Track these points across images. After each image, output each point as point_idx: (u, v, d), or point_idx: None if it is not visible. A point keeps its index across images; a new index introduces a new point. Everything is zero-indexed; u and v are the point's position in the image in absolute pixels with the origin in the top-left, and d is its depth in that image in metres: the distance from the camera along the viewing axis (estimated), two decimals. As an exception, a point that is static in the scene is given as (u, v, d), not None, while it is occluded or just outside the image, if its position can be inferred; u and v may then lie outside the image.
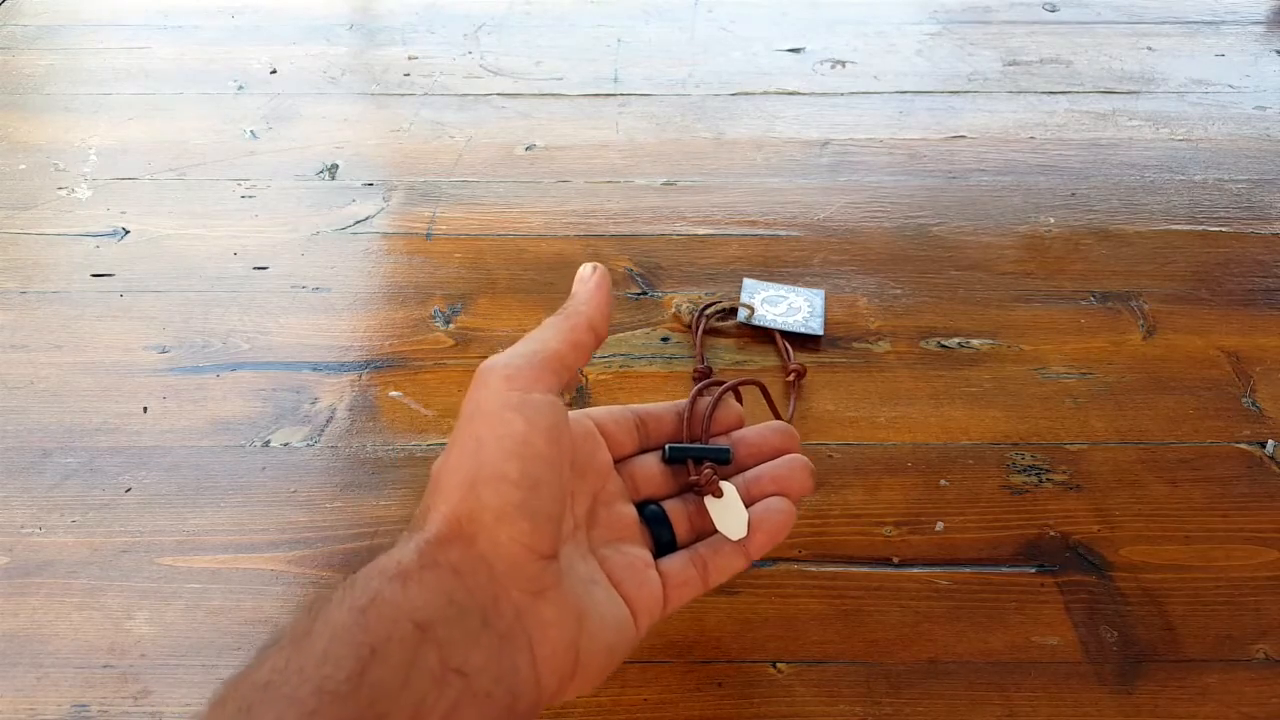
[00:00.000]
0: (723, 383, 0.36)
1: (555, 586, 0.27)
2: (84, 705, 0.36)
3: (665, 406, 0.36)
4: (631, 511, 0.33)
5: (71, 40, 0.76)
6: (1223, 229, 0.58)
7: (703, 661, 0.37)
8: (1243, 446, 0.45)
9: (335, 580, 0.40)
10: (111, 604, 0.39)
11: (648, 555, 0.32)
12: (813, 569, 0.40)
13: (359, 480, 0.44)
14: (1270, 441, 0.45)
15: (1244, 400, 0.47)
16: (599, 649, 0.28)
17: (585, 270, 0.32)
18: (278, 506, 0.43)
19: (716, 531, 0.33)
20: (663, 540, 0.33)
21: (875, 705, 0.36)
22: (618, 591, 0.30)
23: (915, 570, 0.40)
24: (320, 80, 0.72)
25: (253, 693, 0.23)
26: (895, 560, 0.40)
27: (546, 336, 0.30)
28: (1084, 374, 0.49)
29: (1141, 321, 0.52)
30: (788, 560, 0.40)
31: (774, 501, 0.34)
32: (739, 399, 0.37)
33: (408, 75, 0.72)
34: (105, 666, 0.37)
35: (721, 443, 0.35)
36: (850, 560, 0.40)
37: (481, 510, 0.26)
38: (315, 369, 0.49)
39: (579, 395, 0.48)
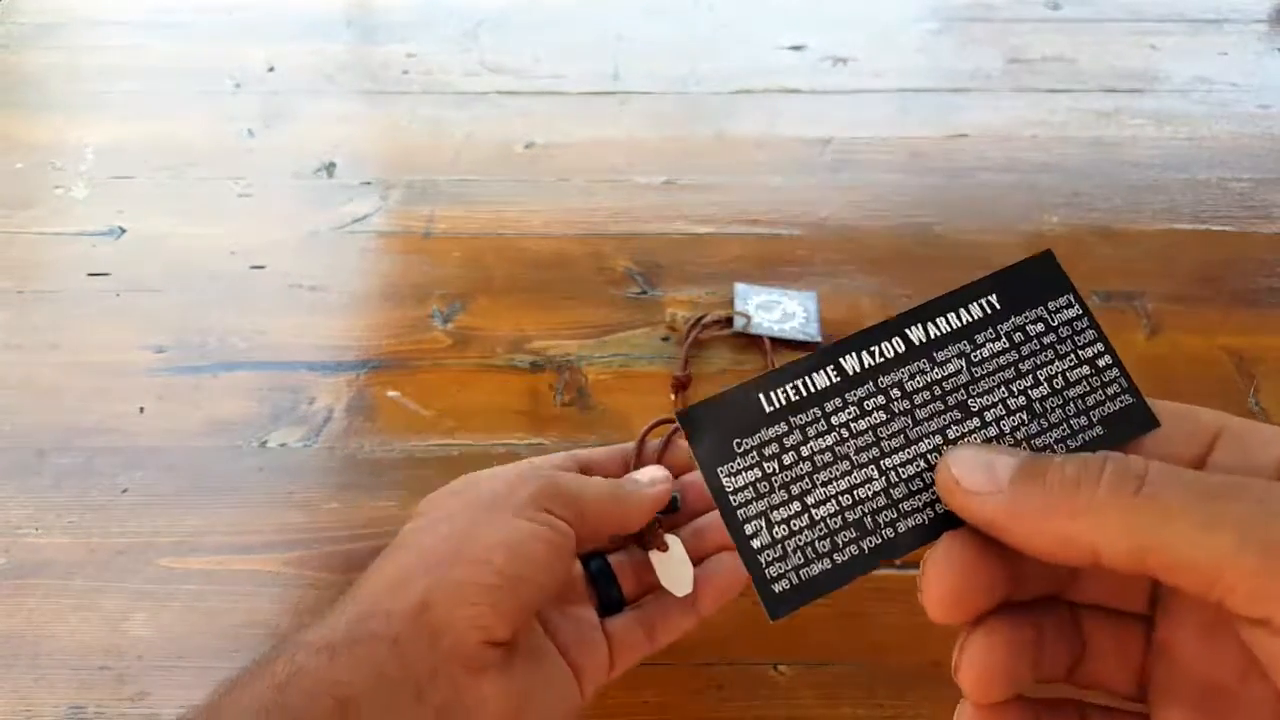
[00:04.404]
0: (672, 420, 0.35)
1: (498, 665, 0.26)
2: (80, 707, 0.36)
3: (610, 451, 0.35)
4: (577, 567, 0.32)
5: (68, 38, 0.76)
6: (1226, 228, 0.58)
7: (704, 663, 0.37)
8: (1247, 447, 0.45)
9: (333, 582, 0.40)
10: (108, 605, 0.39)
11: (594, 617, 0.31)
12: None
13: (356, 481, 0.43)
14: (1274, 442, 0.45)
15: (1248, 401, 0.47)
16: None
17: (658, 474, 0.32)
18: (274, 507, 0.42)
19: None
20: (610, 598, 0.32)
21: (877, 707, 0.35)
22: (564, 658, 0.29)
23: (918, 572, 0.39)
24: (318, 78, 0.71)
25: None
26: (898, 561, 0.40)
27: (597, 484, 0.31)
28: (1087, 374, 0.48)
29: (1145, 321, 0.51)
30: (789, 562, 0.40)
31: (724, 558, 0.32)
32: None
33: (406, 73, 0.72)
34: (102, 668, 0.37)
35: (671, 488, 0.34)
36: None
37: (451, 584, 0.26)
38: (312, 369, 0.49)
39: (578, 396, 0.47)
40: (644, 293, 0.53)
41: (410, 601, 0.26)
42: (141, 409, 0.47)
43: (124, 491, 0.43)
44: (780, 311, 0.51)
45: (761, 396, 0.21)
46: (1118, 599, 0.21)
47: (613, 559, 0.33)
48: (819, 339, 0.50)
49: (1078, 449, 0.20)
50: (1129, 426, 0.20)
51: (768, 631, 0.38)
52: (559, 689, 0.28)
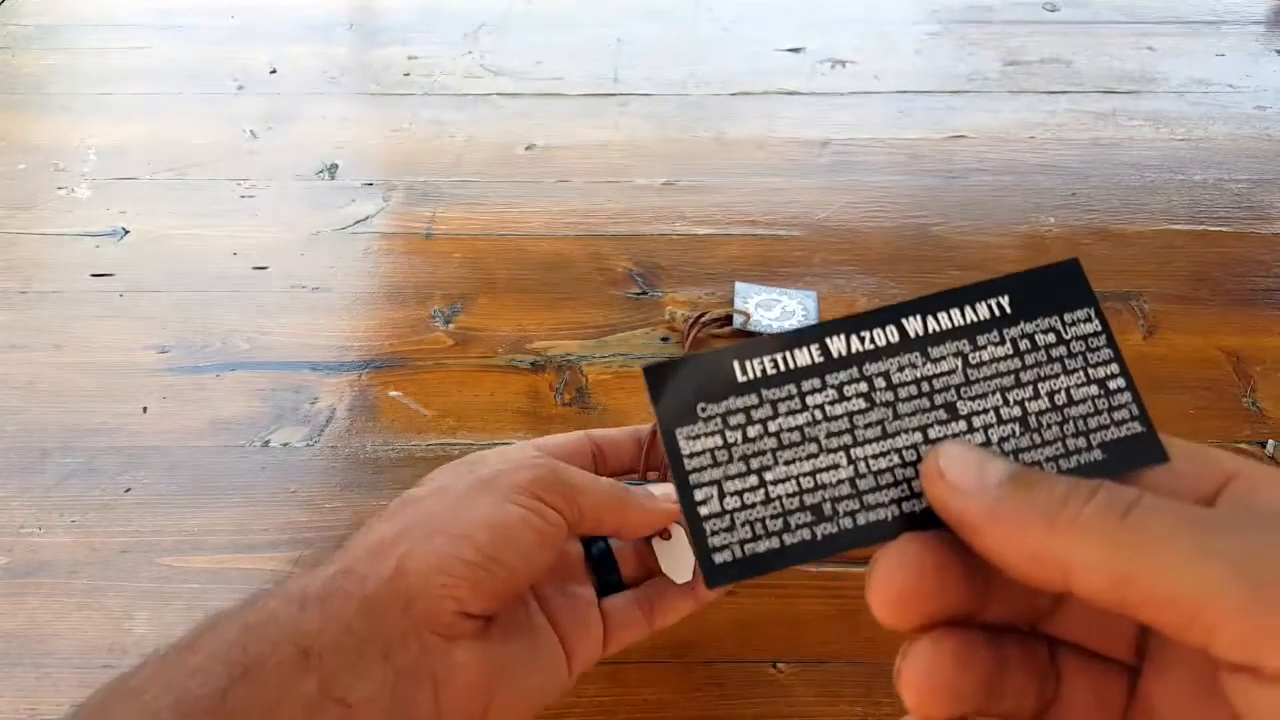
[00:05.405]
0: None
1: (473, 636, 0.27)
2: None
3: (624, 433, 0.35)
4: (578, 548, 0.32)
5: (71, 40, 0.76)
6: (1223, 229, 0.58)
7: (703, 662, 0.37)
8: (1243, 447, 0.45)
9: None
10: (111, 604, 0.39)
11: (591, 594, 0.31)
12: (813, 569, 0.40)
13: (358, 480, 0.44)
14: (1271, 442, 0.45)
15: (1244, 400, 0.47)
16: (520, 693, 0.28)
17: (672, 493, 0.32)
18: (277, 506, 0.43)
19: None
20: (609, 582, 0.32)
21: (875, 705, 0.36)
22: (555, 632, 0.29)
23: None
24: (320, 80, 0.72)
25: (114, 699, 0.23)
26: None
27: (603, 485, 0.30)
28: (1084, 374, 0.48)
29: (1142, 321, 0.52)
30: (788, 560, 0.40)
31: None
32: None
33: (407, 75, 0.72)
34: (105, 667, 0.37)
35: None
36: (851, 560, 0.40)
37: (429, 554, 0.26)
38: (315, 369, 0.49)
39: (578, 395, 0.48)
40: (644, 293, 0.54)
41: (387, 566, 0.26)
42: (145, 409, 0.47)
43: (127, 491, 0.43)
44: (780, 309, 0.51)
45: (736, 364, 0.20)
46: (1101, 640, 0.19)
47: (615, 542, 0.33)
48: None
49: (1070, 471, 0.19)
50: (1133, 457, 0.19)
51: (767, 630, 0.38)
52: (543, 664, 0.29)
